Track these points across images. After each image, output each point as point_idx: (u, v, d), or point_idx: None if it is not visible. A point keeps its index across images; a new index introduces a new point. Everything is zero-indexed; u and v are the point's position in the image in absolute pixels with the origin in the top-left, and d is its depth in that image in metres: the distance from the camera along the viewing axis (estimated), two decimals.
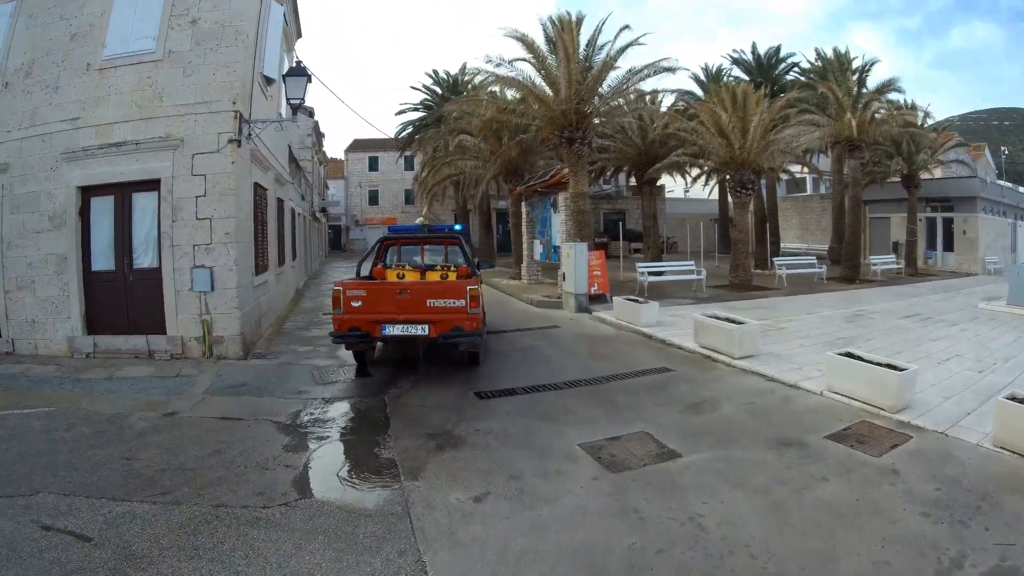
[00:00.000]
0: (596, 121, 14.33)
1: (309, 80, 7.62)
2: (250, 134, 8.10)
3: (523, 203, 16.85)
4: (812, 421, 5.04)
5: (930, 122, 21.94)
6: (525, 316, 11.14)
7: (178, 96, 7.69)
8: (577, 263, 11.20)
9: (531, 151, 17.08)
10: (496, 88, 13.45)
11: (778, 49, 26.79)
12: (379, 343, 7.16)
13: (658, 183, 23.35)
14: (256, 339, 8.58)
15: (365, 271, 8.10)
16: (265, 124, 7.86)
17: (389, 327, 6.35)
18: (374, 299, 6.47)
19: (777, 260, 16.21)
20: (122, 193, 7.99)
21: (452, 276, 7.95)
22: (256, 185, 8.70)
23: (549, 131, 13.00)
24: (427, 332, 6.32)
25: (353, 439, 4.73)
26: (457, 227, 8.71)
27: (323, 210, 30.76)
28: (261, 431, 4.99)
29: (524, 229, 16.84)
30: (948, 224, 24.01)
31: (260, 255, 9.00)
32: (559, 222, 13.86)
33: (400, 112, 27.66)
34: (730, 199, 31.79)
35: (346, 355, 7.64)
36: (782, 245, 24.59)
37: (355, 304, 6.44)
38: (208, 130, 7.53)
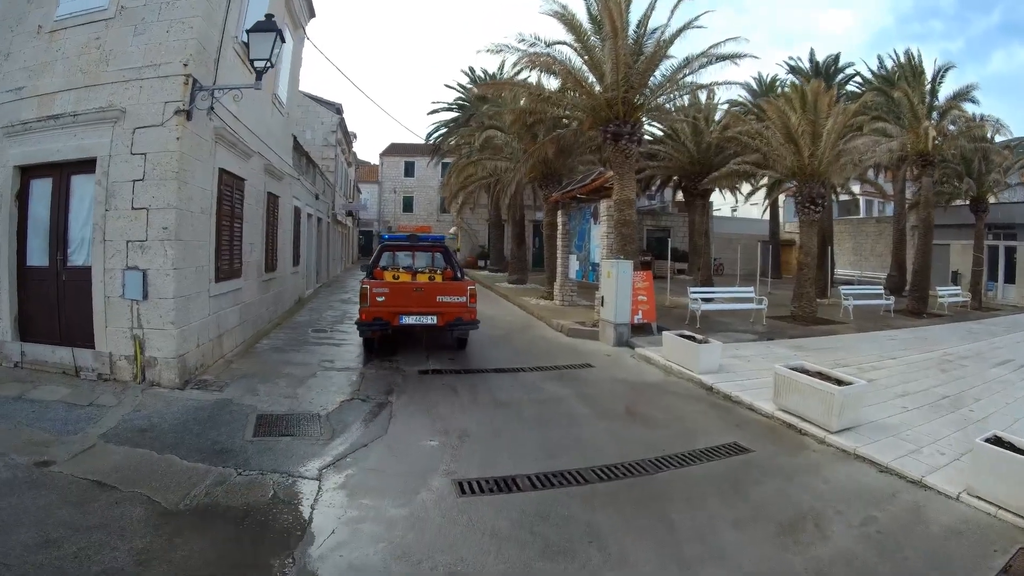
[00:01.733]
0: (645, 118, 12.46)
1: (280, 38, 6.06)
2: (212, 107, 6.60)
3: (559, 212, 15.01)
4: (960, 556, 3.31)
5: (999, 139, 19.25)
6: (552, 348, 9.23)
7: (125, 59, 6.30)
8: (619, 286, 9.24)
9: (569, 151, 15.27)
10: (531, 74, 11.72)
11: (837, 57, 24.74)
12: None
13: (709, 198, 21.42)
14: (211, 361, 7.03)
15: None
16: (224, 90, 6.35)
17: (406, 317, 7.68)
18: (395, 295, 7.75)
19: (844, 290, 14.45)
20: (60, 175, 6.66)
21: (438, 278, 8.81)
22: (223, 172, 7.20)
23: (592, 123, 11.17)
24: (436, 322, 7.76)
25: (234, 567, 2.95)
26: (440, 236, 10.25)
27: (349, 213, 29.71)
28: (125, 515, 3.40)
29: (559, 242, 14.98)
30: (1010, 253, 21.84)
31: (226, 258, 7.49)
32: (599, 235, 11.97)
33: (432, 112, 26.34)
34: (782, 217, 29.91)
35: (305, 396, 5.99)
36: (836, 272, 22.49)
37: (379, 299, 7.65)
38: (153, 99, 6.08)
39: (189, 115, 6.04)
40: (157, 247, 5.89)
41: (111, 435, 4.76)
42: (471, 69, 26.57)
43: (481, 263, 31.65)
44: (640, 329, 10.09)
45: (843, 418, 5.33)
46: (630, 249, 10.52)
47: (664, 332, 8.03)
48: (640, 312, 9.91)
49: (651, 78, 11.45)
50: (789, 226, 35.70)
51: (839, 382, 5.58)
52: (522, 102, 11.52)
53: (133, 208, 6.00)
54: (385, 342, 8.28)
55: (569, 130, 13.17)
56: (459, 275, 8.91)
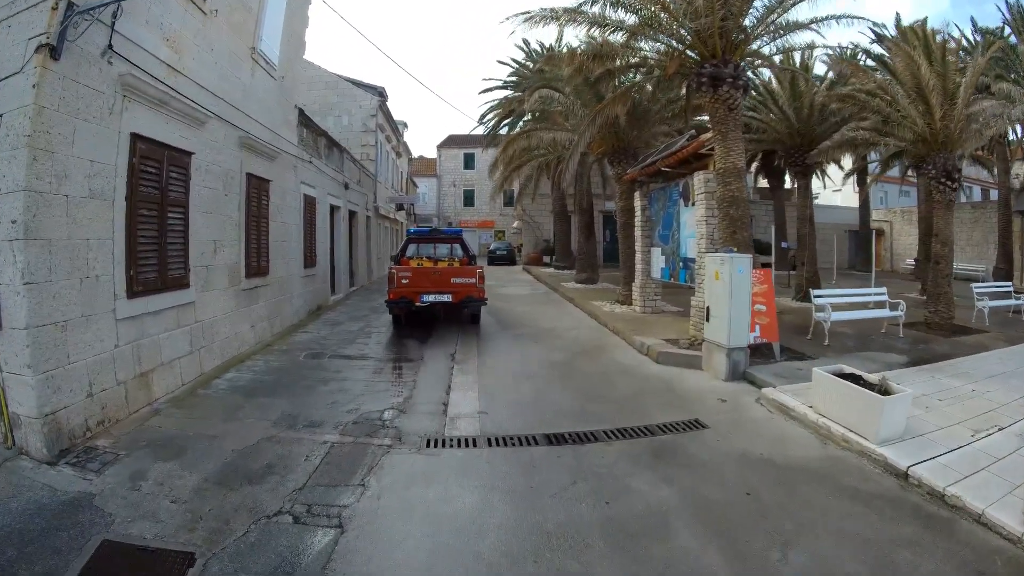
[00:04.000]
0: (748, 60, 9.60)
1: None
2: (110, 44, 4.74)
3: (636, 194, 12.38)
4: None
5: None
6: (637, 387, 6.59)
7: None
8: (735, 291, 6.54)
9: (645, 118, 12.52)
10: (594, 8, 9.15)
11: (924, 21, 20.36)
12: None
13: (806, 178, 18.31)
14: (127, 412, 5.17)
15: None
16: (101, 7, 4.42)
17: (426, 296, 9.48)
18: (416, 277, 9.57)
19: (976, 289, 12.01)
20: None
21: (456, 264, 10.51)
22: (140, 139, 5.30)
23: (678, 67, 8.49)
24: (451, 299, 9.58)
25: None
26: (458, 230, 12.26)
27: (401, 207, 28.29)
28: None
29: (638, 232, 12.35)
30: None
31: (152, 262, 5.61)
32: (693, 221, 9.30)
33: (485, 91, 24.26)
34: (870, 203, 26.05)
35: (206, 502, 3.89)
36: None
37: (403, 281, 9.46)
38: (17, 38, 4.27)
39: (55, 52, 4.16)
40: (5, 251, 4.06)
41: None
42: (525, 42, 24.26)
43: (546, 259, 29.30)
44: (756, 351, 7.37)
45: None
46: (742, 237, 7.73)
47: (817, 371, 5.27)
48: (758, 327, 7.18)
49: (751, 7, 8.68)
50: (875, 213, 31.46)
51: None
52: (580, 44, 9.07)
53: None
54: (400, 359, 7.82)
55: (649, 78, 10.53)
56: (472, 261, 10.76)
